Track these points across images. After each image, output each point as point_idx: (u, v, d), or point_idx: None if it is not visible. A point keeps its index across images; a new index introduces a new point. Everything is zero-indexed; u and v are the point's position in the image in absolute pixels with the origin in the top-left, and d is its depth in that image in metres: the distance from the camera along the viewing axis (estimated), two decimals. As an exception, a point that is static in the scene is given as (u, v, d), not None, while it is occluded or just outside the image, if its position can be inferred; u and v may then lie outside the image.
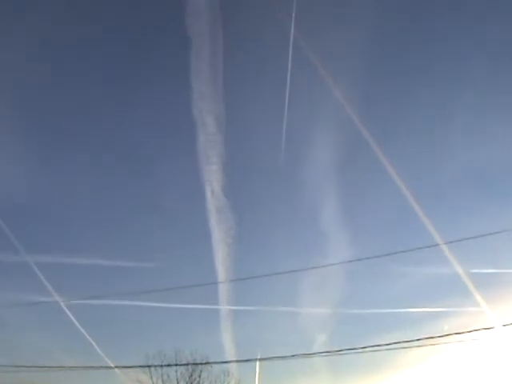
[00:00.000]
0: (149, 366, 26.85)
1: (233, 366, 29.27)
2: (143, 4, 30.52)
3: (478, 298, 19.69)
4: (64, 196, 29.94)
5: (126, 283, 26.01)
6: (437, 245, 20.45)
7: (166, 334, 28.89)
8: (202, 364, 28.45)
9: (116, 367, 24.42)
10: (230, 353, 26.05)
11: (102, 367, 23.46)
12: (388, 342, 16.15)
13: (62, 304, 21.25)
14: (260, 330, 28.11)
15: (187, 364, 28.43)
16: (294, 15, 23.94)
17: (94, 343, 21.67)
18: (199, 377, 29.32)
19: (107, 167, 31.32)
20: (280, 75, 25.74)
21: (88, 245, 28.31)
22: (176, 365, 28.03)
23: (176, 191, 29.21)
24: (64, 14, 28.88)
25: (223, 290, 24.66)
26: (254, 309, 26.17)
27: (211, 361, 29.75)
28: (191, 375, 29.25)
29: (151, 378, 28.28)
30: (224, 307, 25.26)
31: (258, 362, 20.82)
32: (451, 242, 20.11)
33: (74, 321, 21.83)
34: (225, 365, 29.80)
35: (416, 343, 16.29)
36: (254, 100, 29.50)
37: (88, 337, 21.92)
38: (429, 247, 19.65)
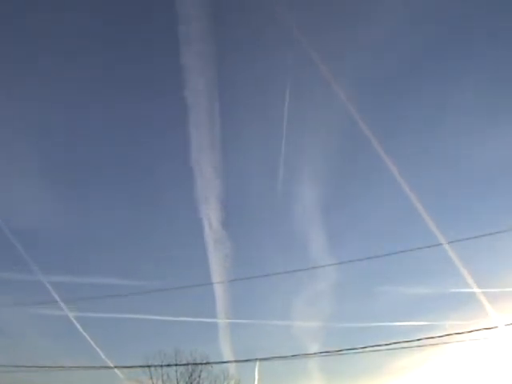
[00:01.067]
0: (149, 366, 26.86)
1: (232, 368, 29.39)
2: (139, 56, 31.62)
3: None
4: (77, 222, 31.44)
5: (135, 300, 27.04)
6: (439, 244, 20.54)
7: (168, 344, 29.54)
8: (201, 364, 28.55)
9: (116, 367, 24.48)
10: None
11: (101, 367, 23.55)
12: (388, 343, 16.14)
13: (71, 316, 22.64)
14: (256, 340, 28.97)
15: (187, 364, 28.48)
16: (288, 82, 25.94)
17: (100, 350, 22.35)
18: (199, 377, 29.35)
19: (119, 201, 33.53)
20: (277, 116, 27.79)
21: (100, 266, 29.64)
22: (176, 365, 28.06)
23: (177, 226, 31.75)
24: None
25: (221, 308, 25.93)
26: (250, 322, 27.05)
27: (211, 361, 29.95)
28: (191, 375, 29.28)
29: (151, 377, 28.33)
30: (222, 320, 26.43)
31: (257, 363, 20.95)
32: (452, 242, 20.21)
33: (82, 331, 23.08)
34: (224, 366, 29.91)
35: (416, 343, 16.31)
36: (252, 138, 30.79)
37: (95, 345, 22.82)
38: (429, 247, 19.68)
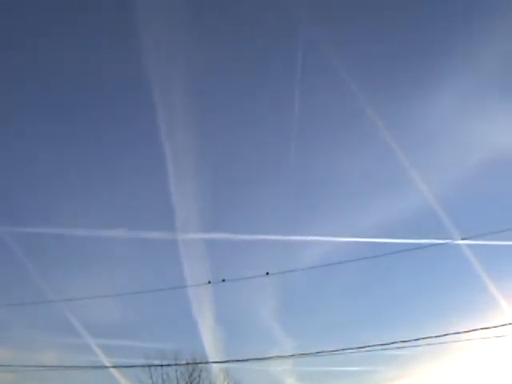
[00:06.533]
0: (149, 366, 27.00)
1: (232, 367, 29.58)
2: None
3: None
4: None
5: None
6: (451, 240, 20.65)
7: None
8: (201, 364, 28.70)
9: (116, 367, 24.64)
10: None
11: (101, 367, 23.74)
12: (385, 342, 16.16)
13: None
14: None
15: (187, 364, 28.58)
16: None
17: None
18: (199, 376, 29.51)
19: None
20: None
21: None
22: (176, 364, 28.18)
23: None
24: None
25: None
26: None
27: (211, 361, 30.14)
28: (191, 375, 29.42)
29: (151, 377, 28.47)
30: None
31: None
32: (467, 239, 20.28)
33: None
34: (224, 365, 30.05)
35: (414, 343, 16.34)
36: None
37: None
38: (441, 244, 19.71)
